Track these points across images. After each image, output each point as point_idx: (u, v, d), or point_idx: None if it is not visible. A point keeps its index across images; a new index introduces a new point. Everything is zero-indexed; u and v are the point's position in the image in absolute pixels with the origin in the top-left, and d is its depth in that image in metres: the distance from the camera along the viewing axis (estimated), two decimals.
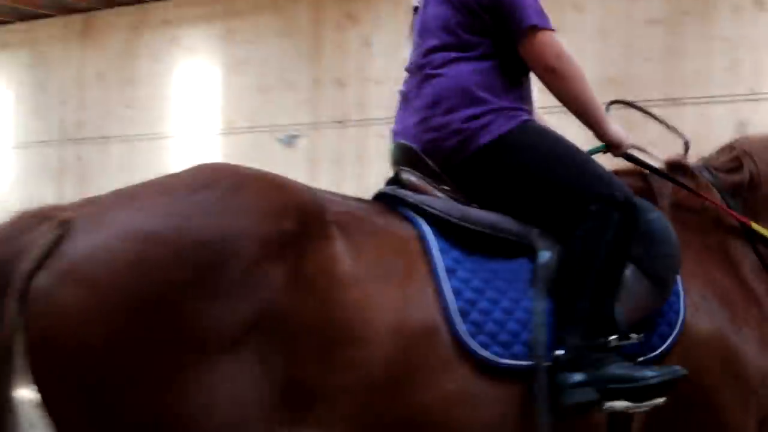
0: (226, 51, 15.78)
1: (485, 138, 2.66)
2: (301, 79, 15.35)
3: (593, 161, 2.81)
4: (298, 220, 2.21)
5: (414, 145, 2.80)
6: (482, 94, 2.68)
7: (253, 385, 2.12)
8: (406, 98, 2.94)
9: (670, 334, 2.63)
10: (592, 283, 2.45)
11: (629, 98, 12.59)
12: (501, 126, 2.69)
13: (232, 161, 13.70)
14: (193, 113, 16.13)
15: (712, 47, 12.34)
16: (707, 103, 12.32)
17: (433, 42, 2.81)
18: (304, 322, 2.21)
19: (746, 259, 2.96)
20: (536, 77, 2.82)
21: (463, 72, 2.72)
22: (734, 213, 3.04)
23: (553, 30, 2.77)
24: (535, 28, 2.75)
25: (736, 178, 3.24)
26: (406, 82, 2.98)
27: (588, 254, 2.48)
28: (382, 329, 2.31)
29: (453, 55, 2.74)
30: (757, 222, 3.11)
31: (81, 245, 2.17)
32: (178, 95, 16.24)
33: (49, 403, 2.14)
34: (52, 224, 2.22)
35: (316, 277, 2.23)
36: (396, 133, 2.94)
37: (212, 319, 2.08)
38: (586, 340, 2.46)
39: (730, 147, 3.39)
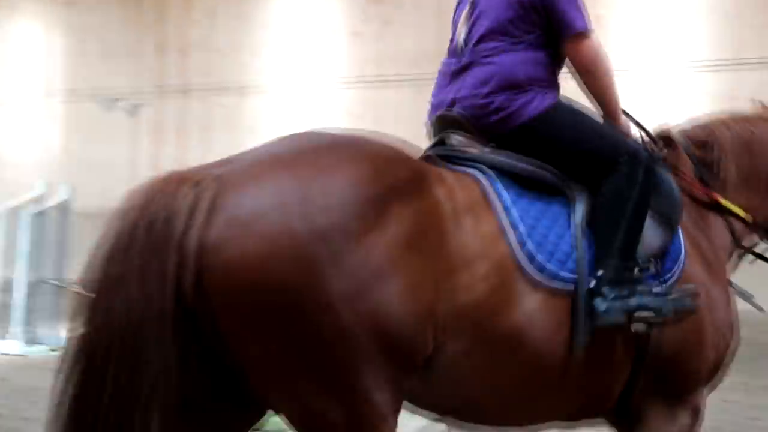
0: (68, 17, 15.62)
1: (527, 114, 3.14)
2: (145, 48, 15.35)
3: (615, 130, 3.30)
4: (414, 181, 2.74)
5: (462, 114, 3.19)
6: (525, 80, 3.17)
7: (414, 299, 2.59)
8: (450, 76, 3.29)
9: (674, 268, 3.15)
10: (626, 220, 3.09)
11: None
12: (537, 106, 3.15)
13: (74, 128, 13.63)
14: (34, 80, 15.93)
15: None
16: None
17: (483, 31, 3.22)
18: (430, 252, 2.68)
19: (714, 226, 3.45)
20: (573, 71, 3.25)
21: (512, 61, 3.18)
22: (707, 191, 3.48)
23: (593, 33, 3.21)
24: (582, 35, 3.16)
25: (707, 155, 3.58)
26: (449, 62, 3.32)
27: (623, 198, 3.11)
28: (476, 256, 2.80)
29: (502, 45, 3.19)
30: (724, 196, 3.51)
31: (246, 204, 2.48)
32: (17, 61, 16.00)
33: (234, 339, 2.44)
34: (203, 185, 2.48)
35: (432, 218, 2.72)
36: (439, 105, 3.28)
37: (354, 261, 2.51)
38: (623, 264, 3.03)
39: (703, 125, 3.68)
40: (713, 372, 3.24)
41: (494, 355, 2.82)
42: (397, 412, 2.61)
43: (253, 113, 14.67)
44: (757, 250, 3.68)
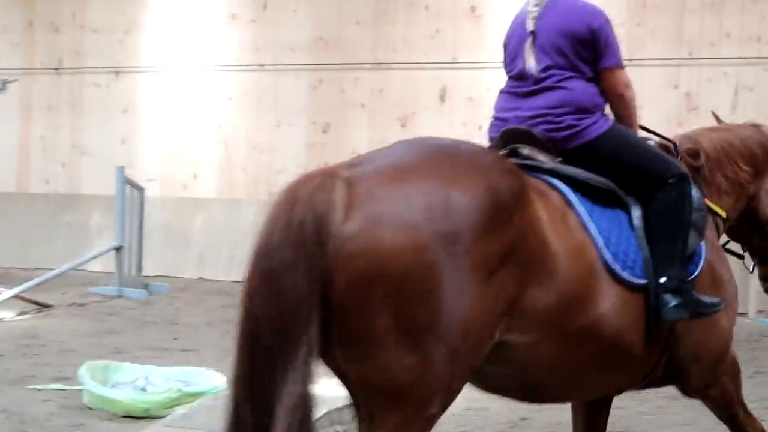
0: None
1: (592, 134, 3.76)
2: (13, 22, 14.93)
3: (658, 151, 4.00)
4: (521, 191, 3.21)
5: (534, 129, 3.76)
6: (590, 105, 3.82)
7: (496, 300, 3.07)
8: (517, 96, 3.87)
9: (700, 264, 3.80)
10: (683, 232, 3.70)
11: (342, 60, 13.21)
12: (601, 127, 3.80)
13: None
14: None
15: (417, 15, 13.12)
16: (414, 69, 13.10)
17: (549, 61, 3.84)
18: (527, 257, 3.13)
19: (711, 224, 4.11)
20: (607, 97, 3.94)
21: (577, 87, 3.81)
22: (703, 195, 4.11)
23: (625, 67, 3.96)
24: (620, 67, 3.91)
25: (696, 163, 4.23)
26: (515, 84, 3.91)
27: (678, 210, 3.71)
28: (564, 258, 3.28)
29: (567, 74, 3.82)
30: (708, 198, 4.21)
31: (379, 204, 2.95)
32: None
33: (355, 310, 2.92)
34: (340, 183, 2.96)
35: (533, 225, 3.18)
36: (508, 120, 3.84)
37: (484, 253, 3.00)
38: (681, 271, 3.63)
39: (688, 136, 4.38)
40: (731, 332, 3.96)
41: (570, 344, 3.34)
42: (458, 390, 3.12)
43: (126, 95, 14.42)
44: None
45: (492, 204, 3.06)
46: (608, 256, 3.44)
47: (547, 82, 3.82)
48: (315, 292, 2.87)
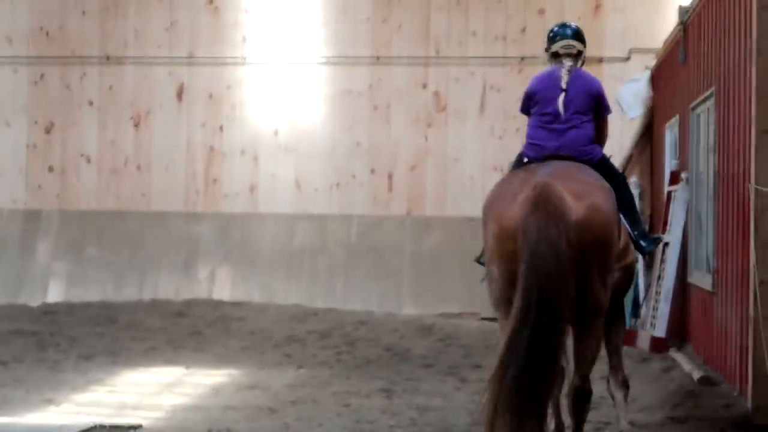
0: None
1: (597, 157, 5.79)
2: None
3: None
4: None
5: (567, 154, 5.68)
6: (593, 139, 5.86)
7: None
8: (553, 131, 5.77)
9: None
10: (633, 205, 6.09)
11: (66, 53, 12.08)
12: (599, 153, 5.85)
13: None
14: None
15: (150, 5, 12.21)
16: (147, 64, 12.19)
17: (575, 109, 5.78)
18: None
19: None
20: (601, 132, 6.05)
21: (589, 128, 5.83)
22: None
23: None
24: (607, 114, 6.04)
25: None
26: (550, 121, 5.79)
27: (630, 193, 6.15)
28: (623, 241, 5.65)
29: (585, 119, 5.81)
30: None
31: (589, 205, 5.10)
32: None
33: (588, 259, 4.98)
34: (564, 194, 4.94)
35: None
36: (547, 148, 5.72)
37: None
38: (641, 226, 6.03)
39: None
40: None
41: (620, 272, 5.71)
42: None
43: None
44: None
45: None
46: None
47: (573, 122, 5.80)
48: (570, 251, 4.75)
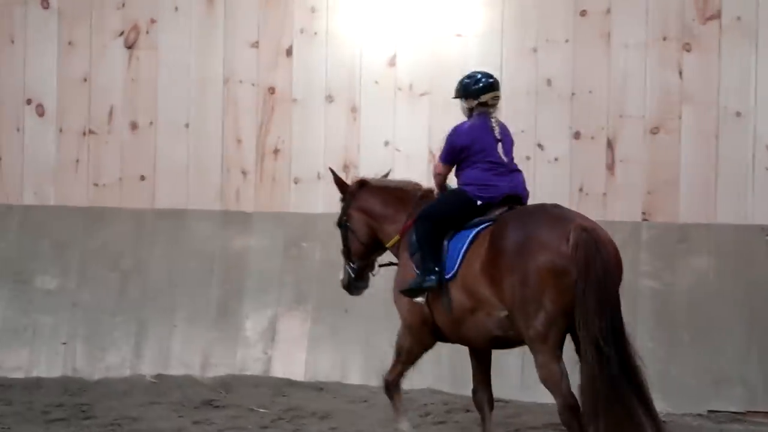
0: None
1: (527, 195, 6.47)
2: None
3: None
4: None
5: (520, 194, 6.34)
6: None
7: None
8: (501, 173, 6.27)
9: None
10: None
11: None
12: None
13: None
14: None
15: None
16: None
17: (510, 156, 6.37)
18: None
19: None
20: None
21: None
22: None
23: None
24: None
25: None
26: (498, 164, 6.27)
27: None
28: None
29: (516, 164, 6.46)
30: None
31: (608, 241, 5.69)
32: None
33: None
34: (595, 228, 5.71)
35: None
36: (501, 188, 6.23)
37: None
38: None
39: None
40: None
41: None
42: None
43: None
44: None
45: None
46: None
47: (513, 167, 6.36)
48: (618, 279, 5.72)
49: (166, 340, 8.71)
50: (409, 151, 7.60)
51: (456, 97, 6.44)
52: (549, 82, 8.42)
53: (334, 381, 8.29)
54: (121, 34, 8.99)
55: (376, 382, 7.76)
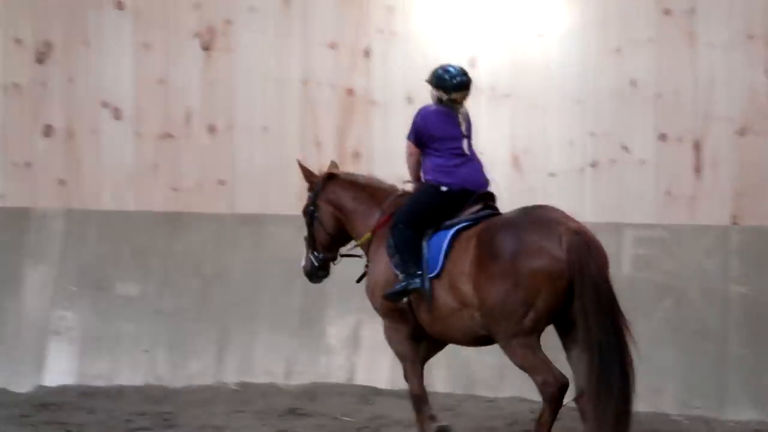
0: None
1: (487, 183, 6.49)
2: None
3: None
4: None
5: (482, 182, 6.42)
6: None
7: None
8: (464, 161, 6.38)
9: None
10: None
11: None
12: None
13: None
14: None
15: None
16: None
17: (471, 141, 6.48)
18: None
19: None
20: None
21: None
22: None
23: None
24: None
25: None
26: (459, 152, 6.37)
27: None
28: None
29: (473, 150, 6.52)
30: None
31: (596, 241, 5.85)
32: None
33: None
34: (582, 230, 5.87)
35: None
36: (463, 173, 6.33)
37: None
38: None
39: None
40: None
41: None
42: None
43: None
44: None
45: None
46: None
47: (472, 156, 6.46)
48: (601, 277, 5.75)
49: (248, 347, 8.68)
50: (491, 154, 7.46)
51: (429, 83, 6.42)
52: (634, 82, 8.23)
53: None
54: (197, 35, 8.90)
55: (461, 390, 7.78)
